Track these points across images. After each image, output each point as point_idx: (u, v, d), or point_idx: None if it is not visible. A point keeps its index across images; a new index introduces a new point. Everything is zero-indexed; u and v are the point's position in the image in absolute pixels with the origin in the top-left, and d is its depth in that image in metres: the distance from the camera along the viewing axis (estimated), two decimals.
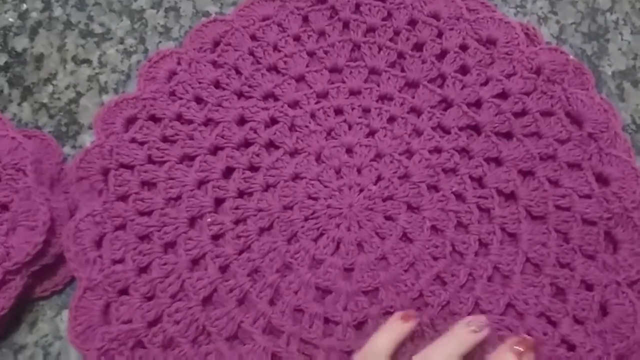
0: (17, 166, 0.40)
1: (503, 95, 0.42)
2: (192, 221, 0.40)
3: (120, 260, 0.38)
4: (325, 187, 0.41)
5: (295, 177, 0.41)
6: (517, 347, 0.33)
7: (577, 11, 0.50)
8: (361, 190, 0.40)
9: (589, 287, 0.37)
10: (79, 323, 0.37)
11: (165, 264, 0.38)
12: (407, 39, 0.44)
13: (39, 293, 0.40)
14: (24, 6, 0.51)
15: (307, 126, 0.42)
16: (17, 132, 0.43)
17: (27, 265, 0.39)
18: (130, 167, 0.41)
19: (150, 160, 0.41)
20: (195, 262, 0.39)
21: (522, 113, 0.42)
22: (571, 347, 0.36)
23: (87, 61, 0.48)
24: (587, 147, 0.41)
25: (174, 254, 0.39)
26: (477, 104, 0.42)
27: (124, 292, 0.38)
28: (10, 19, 0.50)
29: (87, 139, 0.45)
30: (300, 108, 0.43)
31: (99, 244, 0.39)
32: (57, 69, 0.48)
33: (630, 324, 0.36)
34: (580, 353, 0.35)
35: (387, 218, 0.40)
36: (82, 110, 0.46)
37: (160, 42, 0.49)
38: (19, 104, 0.47)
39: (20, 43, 0.49)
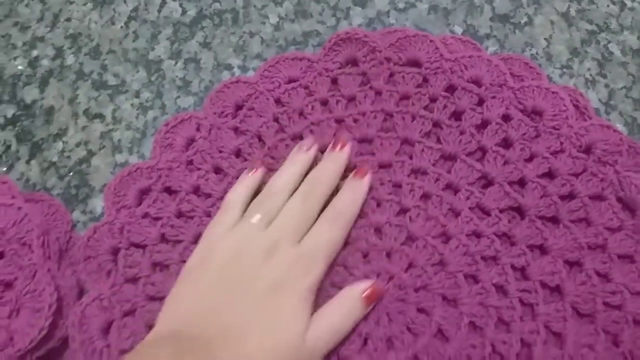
0: (23, 240, 0.38)
1: (549, 174, 0.39)
2: None
3: (129, 351, 0.35)
4: (351, 274, 0.37)
5: None
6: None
7: (628, 74, 0.46)
8: (391, 278, 0.37)
9: None
10: None
11: None
12: (445, 107, 0.41)
13: None
14: (35, 53, 0.48)
15: None
16: (24, 196, 0.40)
17: (31, 351, 0.36)
18: (141, 247, 0.38)
19: (163, 239, 0.38)
20: None
21: (570, 196, 0.38)
22: None
23: (100, 116, 0.45)
24: None
25: None
26: (521, 183, 0.39)
27: None
28: (20, 67, 0.47)
29: (97, 204, 0.42)
30: None
31: (106, 331, 0.36)
32: (67, 124, 0.45)
33: None
34: None
35: (420, 311, 0.36)
36: (94, 171, 0.43)
37: (178, 96, 0.46)
38: (27, 162, 0.44)
39: (30, 94, 0.46)
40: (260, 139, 0.41)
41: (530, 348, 0.35)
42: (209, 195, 0.39)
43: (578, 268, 0.37)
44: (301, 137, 0.41)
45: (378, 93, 0.41)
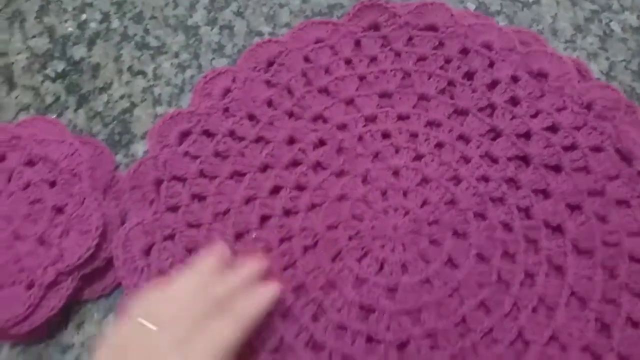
0: (74, 171, 0.42)
1: (553, 128, 0.43)
2: (238, 236, 0.40)
3: (167, 271, 0.39)
4: (371, 208, 0.41)
5: (341, 197, 0.41)
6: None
7: (628, 49, 0.50)
8: (406, 213, 0.41)
9: (635, 325, 0.37)
10: None
11: None
12: (458, 67, 0.45)
13: (87, 295, 0.41)
14: (84, 16, 0.53)
15: (354, 149, 0.43)
16: (74, 138, 0.44)
17: (78, 267, 0.40)
18: (182, 180, 0.41)
19: (201, 174, 0.42)
20: None
21: (572, 147, 0.42)
22: None
23: (142, 73, 0.50)
24: (636, 185, 0.40)
25: None
26: (527, 135, 0.43)
27: None
28: (70, 29, 0.52)
29: (139, 149, 0.46)
30: (348, 131, 0.44)
31: (147, 252, 0.40)
32: (112, 79, 0.49)
33: None
34: None
35: (432, 242, 0.40)
36: (135, 120, 0.48)
37: (213, 58, 0.50)
38: (75, 111, 0.48)
39: (78, 52, 0.51)
40: (289, 90, 0.45)
41: (533, 278, 0.38)
42: (242, 139, 0.43)
43: (578, 211, 0.40)
44: (326, 90, 0.45)
45: (397, 54, 0.46)
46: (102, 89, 0.49)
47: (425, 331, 0.37)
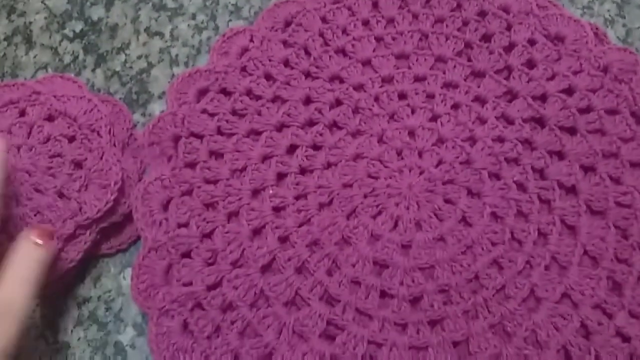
0: (93, 127, 0.42)
1: (569, 91, 0.43)
2: (255, 193, 0.41)
3: (185, 225, 0.40)
4: (386, 167, 0.41)
5: (357, 156, 0.42)
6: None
7: None
8: (421, 172, 0.41)
9: None
10: (142, 281, 0.38)
11: (227, 232, 0.39)
12: (476, 30, 0.45)
13: (104, 250, 0.42)
14: None
15: (370, 109, 0.43)
16: (92, 95, 0.44)
17: (97, 221, 0.40)
18: (200, 137, 0.42)
19: (219, 131, 0.42)
20: (256, 231, 0.40)
21: (587, 110, 0.42)
22: (626, 339, 0.36)
23: (159, 34, 0.50)
24: None
25: (237, 222, 0.40)
26: (543, 97, 0.43)
27: (186, 255, 0.39)
28: None
29: (156, 108, 0.47)
30: (365, 91, 0.44)
31: (165, 207, 0.40)
32: (130, 39, 0.50)
33: None
34: (635, 345, 0.35)
35: (447, 201, 0.40)
36: (153, 80, 0.48)
37: (230, 20, 0.50)
38: (93, 70, 0.49)
39: (96, 12, 0.51)
40: (306, 50, 0.45)
41: (546, 237, 0.39)
42: (259, 97, 0.43)
43: (592, 172, 0.41)
44: (343, 51, 0.45)
45: (415, 16, 0.46)
46: (120, 49, 0.49)
47: (438, 286, 0.37)
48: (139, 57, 0.49)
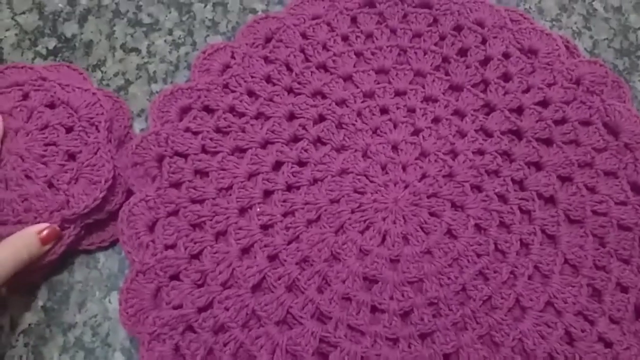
0: (92, 121, 0.42)
1: (544, 103, 0.44)
2: (242, 211, 0.41)
3: (173, 246, 0.39)
4: (371, 182, 0.42)
5: (342, 172, 0.42)
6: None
7: (610, 28, 0.52)
8: (406, 186, 0.42)
9: (625, 290, 0.39)
10: (130, 305, 0.38)
11: (216, 252, 0.39)
12: (452, 44, 0.46)
13: (84, 245, 0.42)
14: None
15: (353, 124, 0.44)
16: (97, 89, 0.44)
17: (83, 216, 0.40)
18: (184, 156, 0.42)
19: (203, 150, 0.42)
20: (245, 251, 0.40)
21: (562, 121, 0.44)
22: (608, 345, 0.37)
23: (136, 50, 0.49)
24: (623, 156, 0.42)
25: (225, 242, 0.40)
26: (519, 110, 0.44)
27: (175, 277, 0.39)
28: (60, 5, 0.51)
29: (136, 126, 0.46)
30: (348, 107, 0.44)
31: (151, 228, 0.40)
32: (106, 56, 0.49)
33: None
34: (617, 350, 0.37)
35: (432, 214, 0.41)
36: (131, 98, 0.47)
37: (208, 35, 0.50)
38: None
39: (69, 29, 0.50)
40: (288, 67, 0.45)
41: (528, 247, 0.40)
42: (243, 114, 0.43)
43: (569, 182, 0.42)
44: (324, 66, 0.45)
45: (393, 31, 0.47)
46: (96, 66, 0.48)
47: (427, 300, 0.38)
48: (116, 75, 0.48)
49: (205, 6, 0.51)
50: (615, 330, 0.37)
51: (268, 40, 0.46)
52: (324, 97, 0.44)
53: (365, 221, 0.41)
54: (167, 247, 0.39)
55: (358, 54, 0.46)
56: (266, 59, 0.45)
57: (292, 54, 0.45)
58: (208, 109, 0.43)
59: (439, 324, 0.37)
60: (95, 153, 0.41)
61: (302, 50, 0.45)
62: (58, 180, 0.41)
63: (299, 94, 0.44)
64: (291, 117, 0.44)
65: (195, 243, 0.39)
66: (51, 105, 0.43)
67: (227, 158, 0.42)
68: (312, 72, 0.45)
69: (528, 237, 0.40)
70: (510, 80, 0.45)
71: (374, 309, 0.38)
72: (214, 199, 0.41)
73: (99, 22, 0.50)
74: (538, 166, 0.43)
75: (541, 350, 0.37)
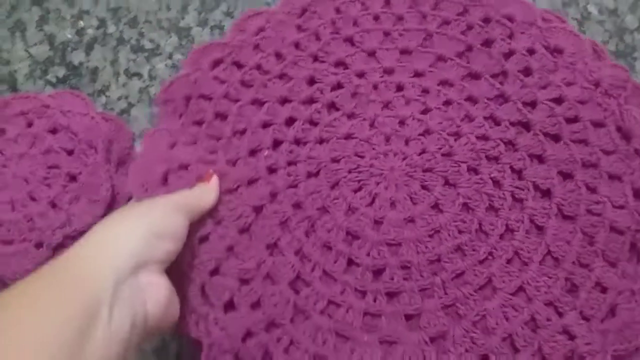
0: (91, 143, 0.47)
1: (559, 100, 0.44)
2: (252, 153, 0.45)
3: (186, 167, 0.43)
4: (373, 149, 0.44)
5: (348, 136, 0.45)
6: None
7: (605, 30, 0.51)
8: (405, 158, 0.44)
9: (603, 290, 0.38)
10: None
11: None
12: (478, 34, 0.47)
13: None
14: (81, 24, 0.58)
15: (368, 95, 0.46)
16: (97, 114, 0.49)
17: (83, 233, 0.44)
18: (208, 98, 0.46)
19: (226, 96, 0.46)
20: (250, 182, 0.43)
21: (574, 120, 0.44)
22: (571, 337, 0.37)
23: (138, 74, 0.54)
24: (632, 162, 0.42)
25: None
26: (532, 104, 0.45)
27: None
28: (69, 35, 0.57)
29: (137, 147, 0.51)
30: (366, 79, 0.47)
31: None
32: (110, 81, 0.54)
33: (635, 330, 0.36)
34: (578, 344, 0.36)
35: (423, 187, 0.43)
36: (133, 120, 0.52)
37: None
38: None
39: (77, 57, 0.56)
40: (317, 36, 0.49)
41: (512, 233, 0.41)
42: (267, 72, 0.47)
43: (570, 179, 0.42)
44: (351, 40, 0.48)
45: (423, 16, 0.49)
46: (101, 92, 0.54)
47: (400, 262, 0.40)
48: (119, 98, 0.53)
49: (203, 30, 0.56)
50: (583, 326, 0.37)
51: (304, 11, 0.50)
52: (345, 67, 0.47)
53: (359, 182, 0.43)
54: (181, 167, 0.43)
55: (386, 33, 0.49)
56: (298, 27, 0.49)
57: (322, 25, 0.49)
58: (237, 64, 0.48)
59: (407, 286, 0.39)
60: (95, 174, 0.45)
61: (333, 23, 0.49)
62: (60, 200, 0.45)
63: (323, 61, 0.48)
64: (311, 81, 0.47)
65: (206, 163, 0.43)
66: (53, 131, 0.48)
67: (246, 106, 0.46)
68: (338, 43, 0.48)
69: (514, 224, 0.41)
70: (531, 75, 0.46)
71: (350, 262, 0.40)
72: (228, 137, 0.45)
73: (104, 49, 0.56)
74: (540, 159, 0.43)
75: (502, 330, 0.37)
